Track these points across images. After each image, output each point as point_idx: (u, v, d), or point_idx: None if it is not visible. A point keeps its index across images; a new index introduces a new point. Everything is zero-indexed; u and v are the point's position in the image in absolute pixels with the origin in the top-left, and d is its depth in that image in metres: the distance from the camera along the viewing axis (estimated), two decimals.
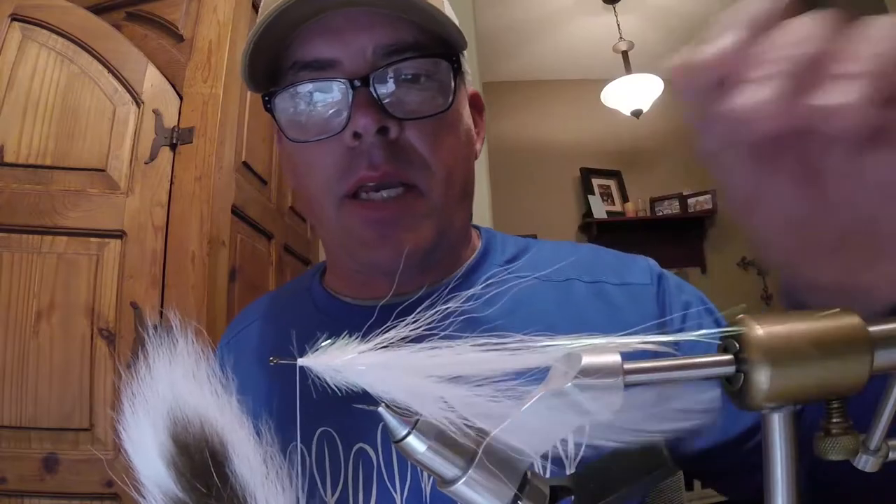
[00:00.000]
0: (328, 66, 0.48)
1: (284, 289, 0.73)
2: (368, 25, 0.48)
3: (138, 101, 1.39)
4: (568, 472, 0.45)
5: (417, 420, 0.21)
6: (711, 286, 3.50)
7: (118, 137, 1.35)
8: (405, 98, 0.48)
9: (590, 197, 3.65)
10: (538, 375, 0.21)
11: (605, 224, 3.58)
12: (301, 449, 0.49)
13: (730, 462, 0.50)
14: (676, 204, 3.76)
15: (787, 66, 0.23)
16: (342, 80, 0.47)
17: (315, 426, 0.49)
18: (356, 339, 0.22)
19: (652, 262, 0.59)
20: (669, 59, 0.26)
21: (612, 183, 3.84)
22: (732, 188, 0.29)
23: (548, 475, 0.46)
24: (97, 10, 1.46)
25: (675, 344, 0.21)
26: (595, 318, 0.53)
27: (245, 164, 1.55)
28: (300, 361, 0.22)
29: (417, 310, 0.22)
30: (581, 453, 0.46)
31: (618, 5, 3.22)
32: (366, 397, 0.21)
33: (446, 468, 0.21)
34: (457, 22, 0.52)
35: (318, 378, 0.22)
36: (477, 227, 0.64)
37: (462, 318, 0.23)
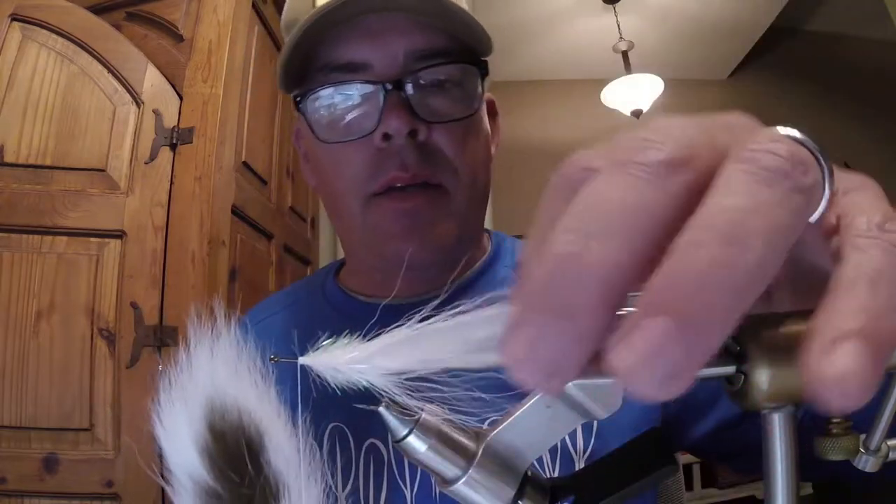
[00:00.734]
0: (360, 69, 0.49)
1: (297, 286, 0.74)
2: (401, 30, 0.49)
3: (138, 101, 1.39)
4: (577, 468, 0.46)
5: (418, 420, 0.21)
6: None
7: (118, 137, 1.35)
8: (434, 102, 0.49)
9: None
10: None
11: None
12: (312, 444, 0.50)
13: (736, 443, 0.50)
14: None
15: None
16: (375, 83, 0.48)
17: (326, 421, 0.50)
18: (357, 337, 0.22)
19: None
20: None
21: None
22: None
23: (556, 472, 0.46)
24: (97, 10, 1.46)
25: None
26: None
27: (245, 164, 1.55)
28: (301, 360, 0.22)
29: (425, 309, 0.22)
30: (591, 448, 0.46)
31: (618, 5, 3.22)
32: (370, 395, 0.22)
33: (446, 468, 0.21)
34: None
35: (319, 377, 0.22)
36: (487, 231, 0.64)
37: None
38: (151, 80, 1.41)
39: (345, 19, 0.48)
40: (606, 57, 3.45)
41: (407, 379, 0.21)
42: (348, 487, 0.49)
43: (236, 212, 1.47)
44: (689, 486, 2.58)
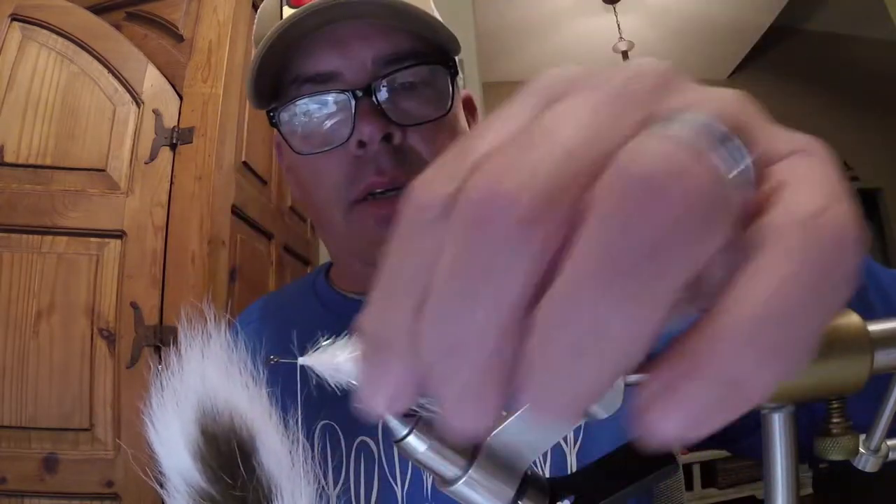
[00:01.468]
0: (330, 79, 0.49)
1: (286, 289, 0.74)
2: (366, 37, 0.49)
3: (138, 101, 1.39)
4: (569, 460, 0.46)
5: (418, 420, 0.21)
6: None
7: (118, 137, 1.35)
8: (406, 105, 0.49)
9: None
10: None
11: None
12: (304, 444, 0.50)
13: (732, 427, 0.50)
14: None
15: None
16: (345, 92, 0.48)
17: (316, 420, 0.51)
18: (349, 337, 0.22)
19: None
20: None
21: None
22: None
23: (548, 463, 0.47)
24: (97, 10, 1.46)
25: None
26: None
27: (245, 164, 1.55)
28: (300, 361, 0.22)
29: None
30: (580, 439, 0.46)
31: (618, 5, 3.23)
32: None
33: (446, 468, 0.21)
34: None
35: (319, 377, 0.22)
36: None
37: None
38: (151, 80, 1.41)
39: (310, 31, 0.49)
40: (606, 57, 3.45)
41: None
42: (339, 486, 0.49)
43: (236, 212, 1.47)
44: (689, 486, 2.58)
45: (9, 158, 1.28)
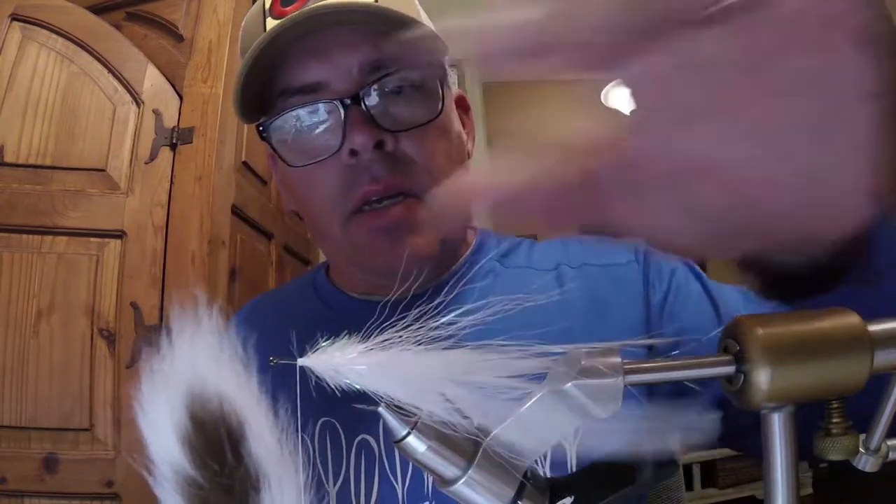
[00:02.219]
0: (317, 89, 0.49)
1: (285, 287, 0.74)
2: (350, 44, 0.49)
3: (138, 101, 1.39)
4: (568, 458, 0.46)
5: (417, 420, 0.21)
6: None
7: (118, 137, 1.35)
8: (396, 110, 0.49)
9: None
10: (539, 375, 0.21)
11: None
12: (304, 440, 0.51)
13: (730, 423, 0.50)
14: None
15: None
16: (333, 101, 0.48)
17: (318, 417, 0.51)
18: (356, 338, 0.22)
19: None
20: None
21: None
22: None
23: (547, 459, 0.47)
24: (97, 10, 1.46)
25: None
26: (578, 300, 0.54)
27: (245, 164, 1.55)
28: (300, 362, 0.22)
29: (415, 305, 0.23)
30: (579, 438, 0.46)
31: None
32: (366, 395, 0.22)
33: (446, 468, 0.21)
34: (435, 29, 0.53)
35: (318, 378, 0.22)
36: (473, 227, 0.65)
37: (457, 311, 0.23)
38: (151, 80, 1.41)
39: (293, 42, 0.48)
40: None
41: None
42: (339, 483, 0.49)
43: (236, 212, 1.47)
44: (689, 486, 2.58)
45: (9, 158, 1.28)
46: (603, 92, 3.38)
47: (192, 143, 1.37)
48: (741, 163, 0.18)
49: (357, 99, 0.47)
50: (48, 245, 1.26)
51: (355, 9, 0.47)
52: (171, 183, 1.35)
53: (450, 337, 0.21)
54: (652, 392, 0.44)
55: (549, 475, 0.24)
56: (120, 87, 1.39)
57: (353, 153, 0.47)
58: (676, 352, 0.24)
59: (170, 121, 1.39)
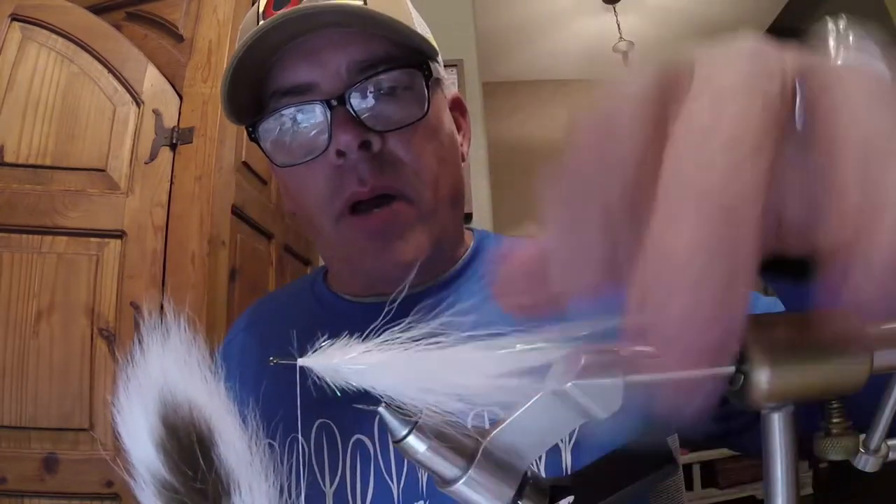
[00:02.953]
0: (306, 90, 0.49)
1: (284, 290, 0.74)
2: (338, 45, 0.49)
3: (138, 101, 1.39)
4: (563, 457, 0.46)
5: (417, 420, 0.21)
6: None
7: (118, 137, 1.35)
8: (383, 110, 0.49)
9: None
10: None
11: None
12: (300, 440, 0.51)
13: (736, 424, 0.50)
14: None
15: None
16: (319, 102, 0.48)
17: (314, 418, 0.51)
18: (356, 338, 0.22)
19: None
20: None
21: None
22: None
23: (542, 460, 0.47)
24: (97, 10, 1.46)
25: None
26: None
27: (245, 164, 1.55)
28: (300, 362, 0.22)
29: (415, 306, 0.23)
30: (575, 436, 0.47)
31: (618, 5, 3.22)
32: (365, 395, 0.22)
33: (446, 468, 0.21)
34: (428, 33, 0.54)
35: (319, 378, 0.22)
36: (471, 229, 0.65)
37: (454, 311, 0.23)
38: (151, 80, 1.41)
39: (281, 45, 0.48)
40: (606, 57, 3.45)
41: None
42: (335, 483, 0.49)
43: (236, 212, 1.47)
44: (689, 486, 2.58)
45: (9, 158, 1.28)
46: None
47: (192, 143, 1.37)
48: None
49: (343, 99, 0.48)
50: (48, 245, 1.26)
51: (341, 10, 0.47)
52: (171, 183, 1.35)
53: (449, 336, 0.22)
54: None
55: (544, 476, 0.24)
56: (120, 87, 1.39)
57: (340, 153, 0.48)
58: None
59: (170, 121, 1.39)
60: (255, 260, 1.58)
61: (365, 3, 0.48)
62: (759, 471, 0.22)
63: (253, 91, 0.51)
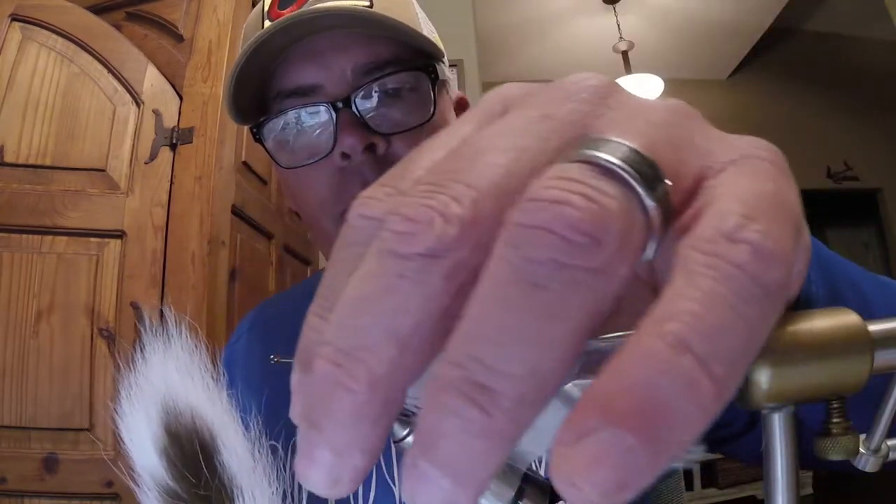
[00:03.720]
0: (311, 92, 0.49)
1: (287, 294, 0.75)
2: (343, 47, 0.49)
3: (138, 101, 1.39)
4: None
5: (418, 420, 0.21)
6: None
7: (118, 137, 1.35)
8: (389, 113, 0.49)
9: None
10: None
11: None
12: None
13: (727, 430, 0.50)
14: None
15: None
16: (324, 104, 0.48)
17: None
18: None
19: None
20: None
21: None
22: None
23: (543, 462, 0.47)
24: (97, 10, 1.46)
25: None
26: None
27: (245, 164, 1.55)
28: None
29: None
30: None
31: (618, 5, 3.22)
32: None
33: None
34: (434, 34, 0.54)
35: None
36: None
37: None
38: (151, 80, 1.41)
39: (291, 42, 0.48)
40: (606, 57, 3.45)
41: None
42: None
43: (236, 212, 1.47)
44: (690, 486, 2.58)
45: (9, 158, 1.28)
46: None
47: (192, 143, 1.37)
48: None
49: (348, 102, 0.48)
50: (48, 245, 1.26)
51: (346, 13, 0.47)
52: (171, 183, 1.35)
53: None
54: None
55: (545, 477, 0.24)
56: (120, 87, 1.39)
57: (345, 156, 0.48)
58: None
59: (170, 121, 1.39)
60: (255, 260, 1.58)
61: (371, 5, 0.48)
62: (759, 471, 0.22)
63: (257, 91, 0.51)
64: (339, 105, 0.47)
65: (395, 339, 0.12)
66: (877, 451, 0.22)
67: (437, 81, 0.51)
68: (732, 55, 3.90)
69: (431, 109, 0.50)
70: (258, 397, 0.57)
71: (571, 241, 0.12)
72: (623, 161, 0.13)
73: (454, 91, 0.59)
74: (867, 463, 0.22)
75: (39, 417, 1.19)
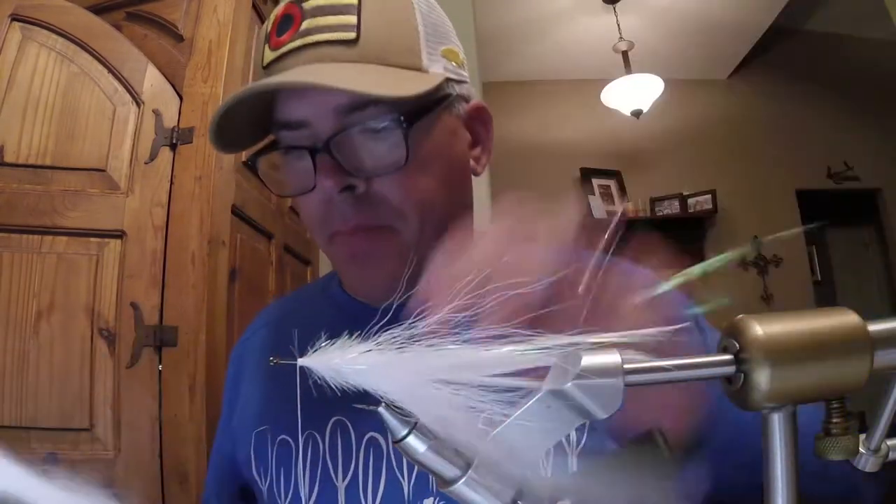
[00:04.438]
0: (300, 126, 0.51)
1: (297, 294, 0.76)
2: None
3: (138, 101, 1.39)
4: (570, 461, 0.46)
5: (417, 420, 0.21)
6: (711, 286, 3.49)
7: (118, 137, 1.35)
8: (367, 155, 0.49)
9: (590, 197, 3.65)
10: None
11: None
12: (315, 437, 0.54)
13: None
14: (676, 204, 3.77)
15: None
16: (304, 148, 0.49)
17: (329, 415, 0.53)
18: (356, 338, 0.22)
19: None
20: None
21: (611, 183, 3.84)
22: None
23: (549, 466, 0.47)
24: (97, 10, 1.46)
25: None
26: None
27: (245, 163, 1.55)
28: (300, 362, 0.22)
29: (416, 311, 0.23)
30: (583, 442, 0.47)
31: (618, 5, 3.22)
32: (368, 394, 0.22)
33: (446, 468, 0.21)
34: (441, 47, 0.53)
35: (319, 379, 0.22)
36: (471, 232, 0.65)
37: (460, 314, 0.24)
38: (151, 80, 1.41)
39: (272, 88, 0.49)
40: (606, 57, 3.45)
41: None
42: (348, 478, 0.52)
43: (236, 212, 1.47)
44: None
45: (9, 158, 1.28)
46: (603, 92, 3.38)
47: (192, 143, 1.37)
48: None
49: (327, 145, 0.48)
50: (48, 245, 1.26)
51: (329, 84, 0.46)
52: (171, 183, 1.35)
53: (448, 336, 0.22)
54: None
55: (549, 476, 0.24)
56: (120, 87, 1.39)
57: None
58: None
59: (170, 121, 1.39)
60: (255, 260, 1.58)
61: (357, 36, 0.48)
62: None
63: (253, 115, 0.52)
64: (319, 147, 0.48)
65: None
66: (877, 451, 0.22)
67: (412, 126, 0.49)
68: (732, 55, 3.90)
69: (405, 154, 0.49)
70: (271, 392, 0.57)
71: None
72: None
73: (473, 101, 0.58)
74: (867, 463, 0.22)
75: (39, 417, 1.19)
